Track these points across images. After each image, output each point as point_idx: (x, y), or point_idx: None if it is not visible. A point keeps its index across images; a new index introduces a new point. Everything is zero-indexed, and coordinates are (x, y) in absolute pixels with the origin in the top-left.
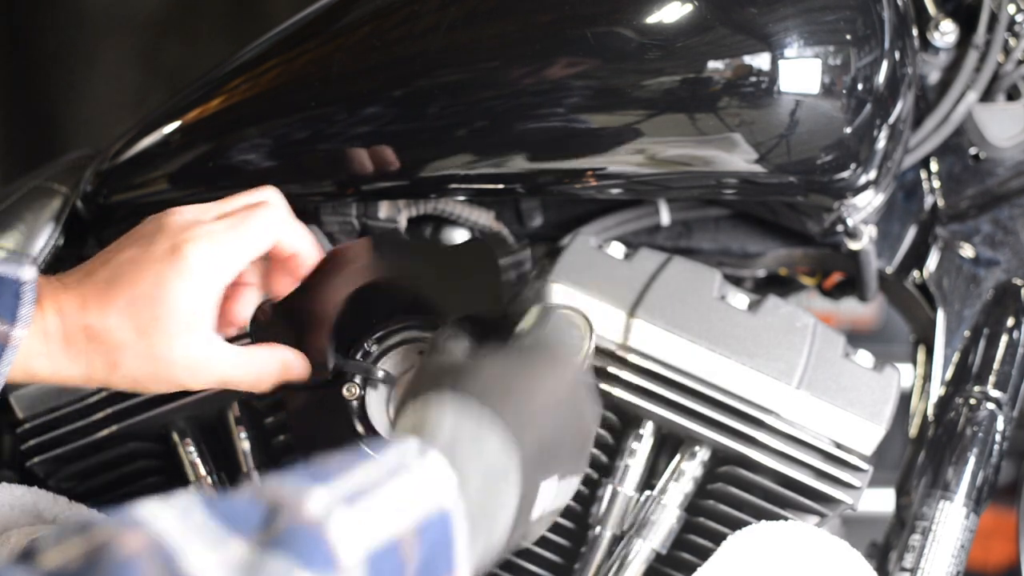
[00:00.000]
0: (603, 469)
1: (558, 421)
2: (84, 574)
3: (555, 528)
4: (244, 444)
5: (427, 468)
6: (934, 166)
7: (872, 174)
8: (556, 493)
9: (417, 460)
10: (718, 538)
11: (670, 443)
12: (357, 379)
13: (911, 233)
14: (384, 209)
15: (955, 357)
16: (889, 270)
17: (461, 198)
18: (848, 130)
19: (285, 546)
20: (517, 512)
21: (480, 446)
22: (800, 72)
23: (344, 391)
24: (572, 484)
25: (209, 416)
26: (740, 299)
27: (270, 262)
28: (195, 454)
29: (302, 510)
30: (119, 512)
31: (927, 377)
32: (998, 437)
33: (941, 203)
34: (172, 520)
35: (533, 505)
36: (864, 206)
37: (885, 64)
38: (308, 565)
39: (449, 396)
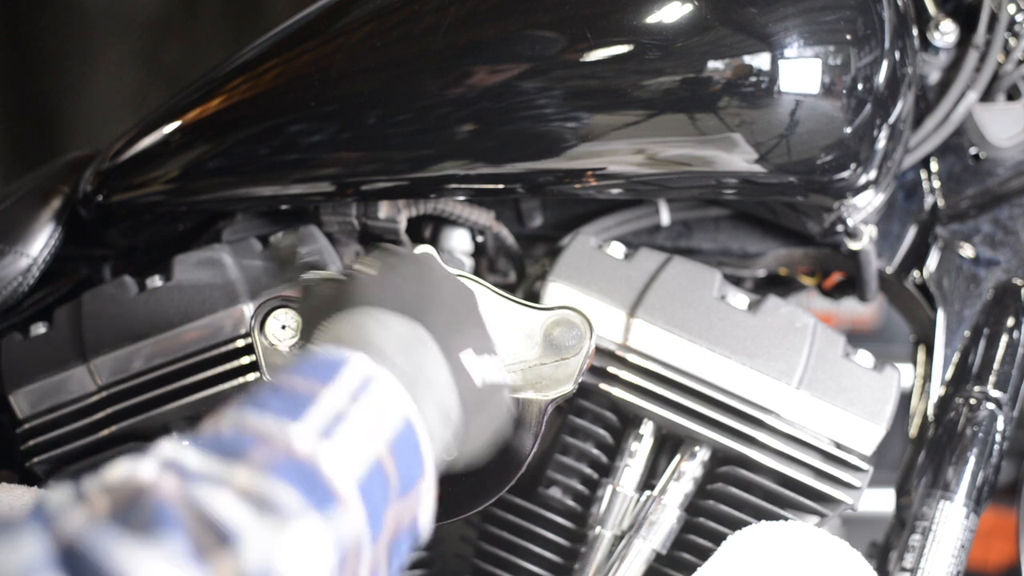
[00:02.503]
0: (603, 469)
1: (445, 300)
2: (125, 519)
3: (555, 528)
4: None
5: (381, 383)
6: (934, 166)
7: (872, 174)
8: (484, 366)
9: (369, 377)
10: (718, 538)
11: (670, 443)
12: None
13: (911, 233)
14: (384, 209)
15: (955, 357)
16: (889, 270)
17: (461, 198)
18: (848, 130)
19: (288, 477)
20: (456, 381)
21: (401, 342)
22: (800, 72)
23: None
24: (494, 362)
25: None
26: (740, 299)
27: None
28: None
29: (293, 446)
30: (134, 461)
31: (927, 377)
32: (998, 437)
33: (941, 203)
34: (176, 477)
35: (467, 372)
36: (864, 206)
37: (885, 64)
38: (316, 504)
39: (358, 309)
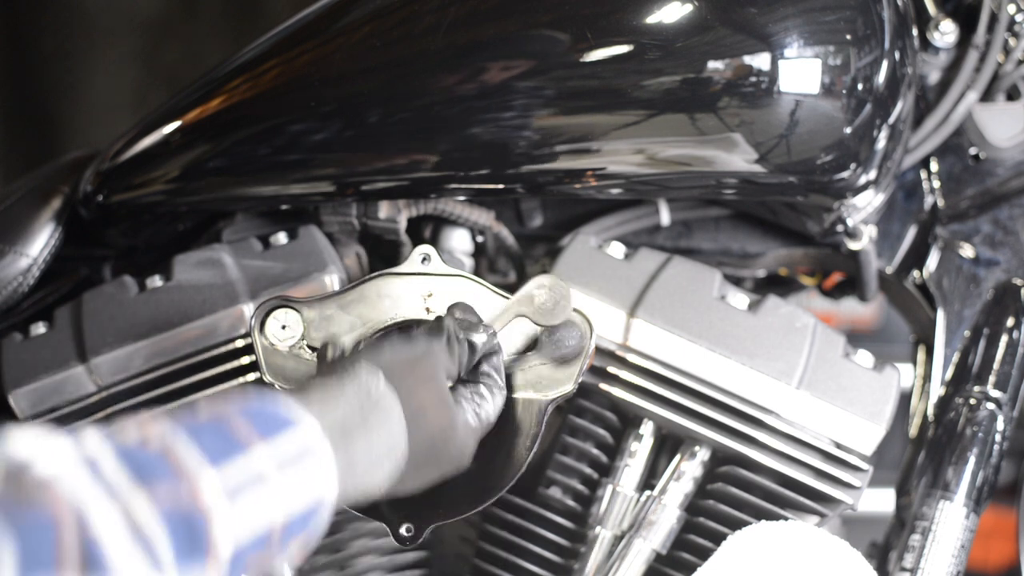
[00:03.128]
0: (603, 469)
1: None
2: (7, 510)
3: (555, 528)
4: None
5: (315, 460)
6: (934, 166)
7: (872, 174)
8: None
9: (307, 450)
10: (718, 538)
11: (670, 443)
12: None
13: (911, 233)
14: (384, 209)
15: (955, 357)
16: (889, 270)
17: (461, 198)
18: (848, 130)
19: (173, 529)
20: (408, 427)
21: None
22: (800, 72)
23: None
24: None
25: None
26: (740, 299)
27: None
28: None
29: (197, 495)
30: (37, 447)
31: (927, 377)
32: (998, 437)
33: (941, 203)
34: (84, 477)
35: (419, 420)
36: (864, 206)
37: (885, 64)
38: (184, 562)
39: (351, 375)
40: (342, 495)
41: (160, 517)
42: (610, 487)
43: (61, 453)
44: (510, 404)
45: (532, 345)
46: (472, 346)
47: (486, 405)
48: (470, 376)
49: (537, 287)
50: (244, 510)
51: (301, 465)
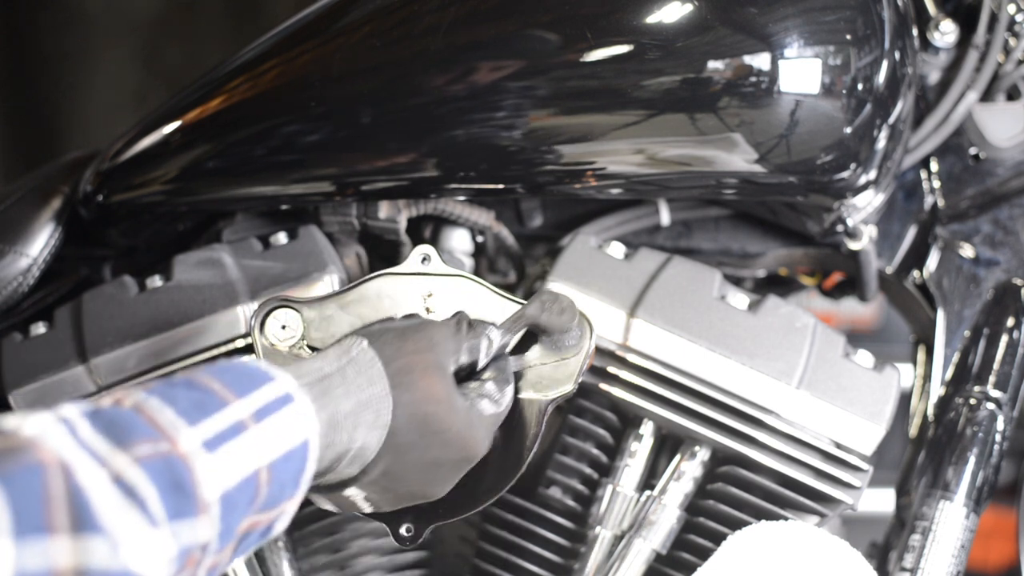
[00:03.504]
0: (603, 469)
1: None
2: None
3: (555, 528)
4: None
5: (294, 407)
6: (934, 166)
7: (872, 174)
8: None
9: (285, 398)
10: (718, 538)
11: (670, 443)
12: None
13: (911, 233)
14: (384, 209)
15: (955, 357)
16: (889, 270)
17: (461, 198)
18: (848, 130)
19: (157, 480)
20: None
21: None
22: (800, 72)
23: None
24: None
25: None
26: (740, 299)
27: None
28: None
29: (177, 446)
30: (22, 417)
31: (927, 377)
32: (998, 437)
33: (941, 203)
34: (64, 437)
35: (409, 392)
36: (864, 206)
37: (885, 64)
38: (173, 513)
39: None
40: (329, 448)
41: (143, 469)
42: (610, 487)
43: (41, 418)
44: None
45: (532, 345)
46: (490, 340)
47: (496, 395)
48: (477, 372)
49: (547, 298)
50: (225, 457)
51: (279, 413)
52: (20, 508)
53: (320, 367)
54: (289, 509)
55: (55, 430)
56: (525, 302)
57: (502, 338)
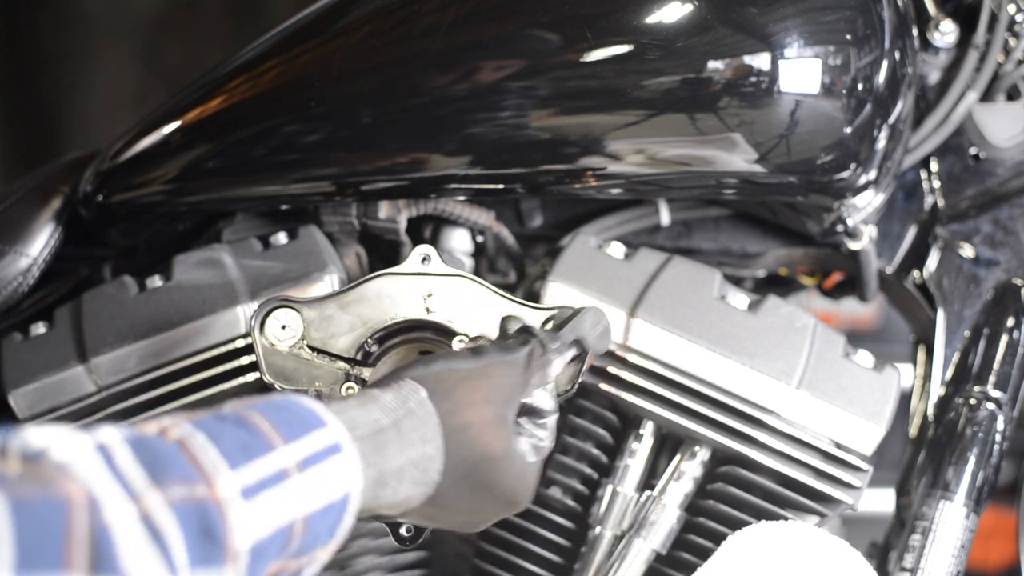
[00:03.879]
0: (603, 469)
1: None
2: (21, 491)
3: (555, 528)
4: None
5: (340, 458)
6: (934, 166)
7: (872, 174)
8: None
9: (333, 447)
10: (718, 538)
11: (670, 443)
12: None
13: (911, 233)
14: (384, 209)
15: (955, 357)
16: (889, 270)
17: (461, 198)
18: (848, 130)
19: (186, 526)
20: (446, 448)
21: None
22: (800, 72)
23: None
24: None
25: None
26: (740, 299)
27: None
28: None
29: (215, 490)
30: (53, 436)
31: (927, 377)
32: (998, 437)
33: (941, 203)
34: (98, 467)
35: (463, 442)
36: (864, 206)
37: (885, 64)
38: (199, 561)
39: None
40: (371, 500)
41: (174, 513)
42: (610, 487)
43: (76, 442)
44: None
45: None
46: (551, 366)
47: (544, 435)
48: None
49: (596, 316)
50: (262, 506)
51: (325, 463)
52: (30, 543)
53: (376, 419)
54: (321, 557)
55: (90, 460)
56: (526, 302)
57: (558, 364)
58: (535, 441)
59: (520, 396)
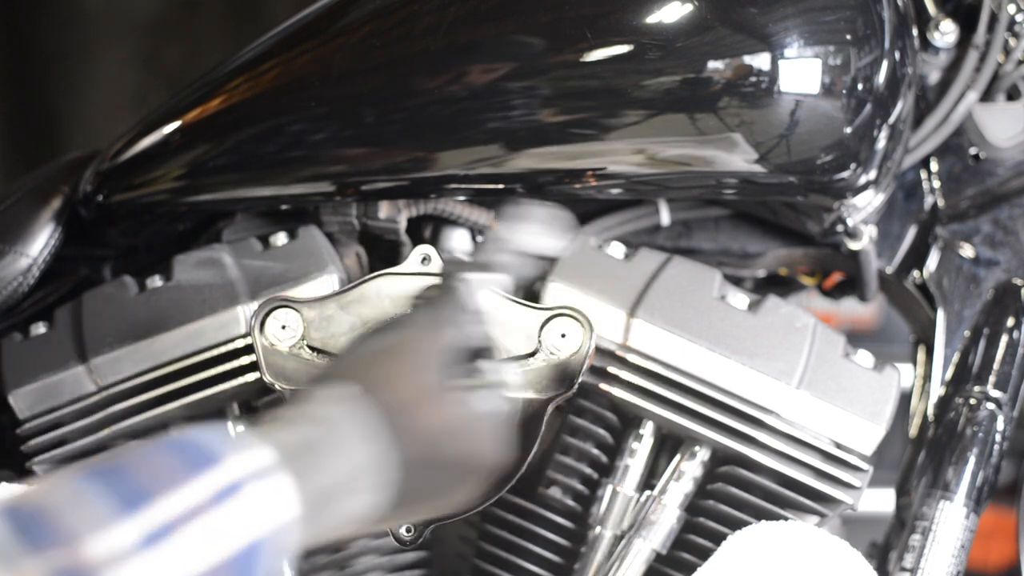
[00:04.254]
0: (603, 469)
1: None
2: None
3: (555, 528)
4: None
5: (257, 489)
6: (934, 166)
7: (872, 174)
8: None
9: (241, 481)
10: (718, 538)
11: (670, 443)
12: None
13: (911, 233)
14: (384, 209)
15: (955, 357)
16: (889, 270)
17: (461, 198)
18: (848, 130)
19: None
20: (395, 443)
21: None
22: (800, 72)
23: None
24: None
25: (208, 415)
26: (740, 299)
27: None
28: None
29: (83, 557)
30: None
31: (927, 377)
32: (998, 437)
33: (941, 203)
34: None
35: (410, 432)
36: (864, 206)
37: (885, 64)
38: None
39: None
40: (314, 527)
41: None
42: (610, 487)
43: None
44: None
45: (532, 345)
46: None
47: (495, 370)
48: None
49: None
50: (142, 568)
51: (237, 496)
52: None
53: (306, 433)
54: None
55: None
56: (526, 302)
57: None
58: (489, 384)
59: (457, 346)
